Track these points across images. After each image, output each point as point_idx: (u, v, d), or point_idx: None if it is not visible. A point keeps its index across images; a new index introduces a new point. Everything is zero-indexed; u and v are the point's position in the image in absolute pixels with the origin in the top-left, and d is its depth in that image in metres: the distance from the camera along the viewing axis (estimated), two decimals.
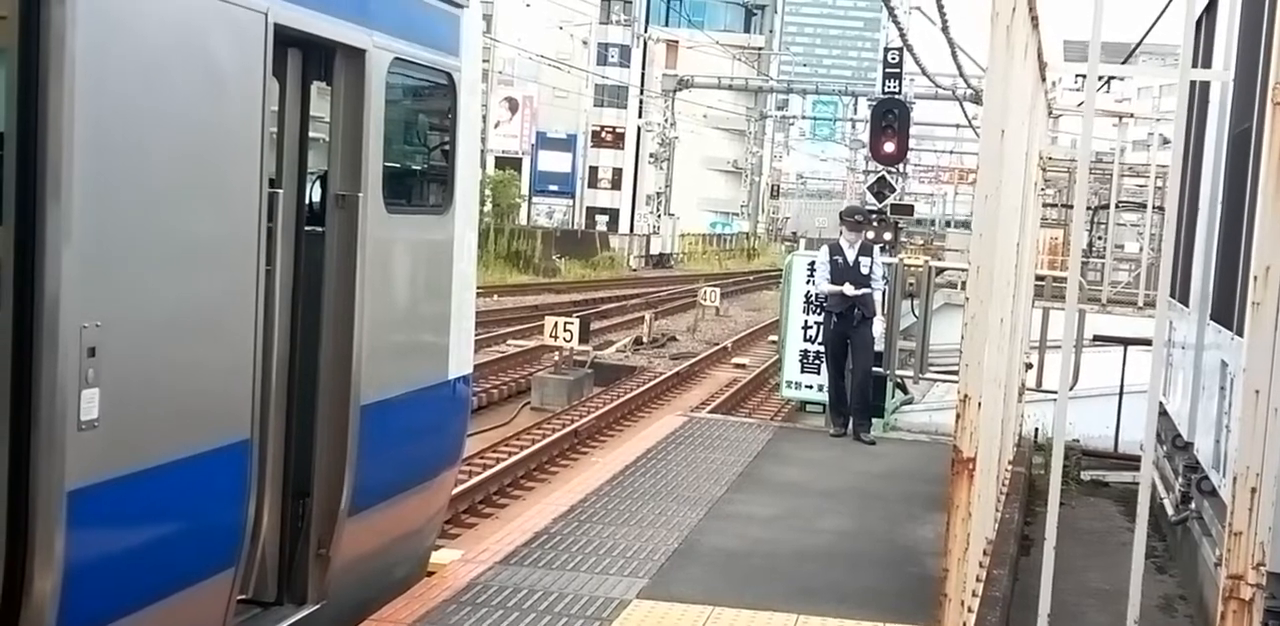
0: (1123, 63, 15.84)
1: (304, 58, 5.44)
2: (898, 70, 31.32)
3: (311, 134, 5.56)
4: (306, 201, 5.60)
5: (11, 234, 3.82)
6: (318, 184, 5.70)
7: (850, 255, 11.10)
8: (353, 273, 5.56)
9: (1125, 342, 14.73)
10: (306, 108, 5.50)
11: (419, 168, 6.69)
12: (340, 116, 5.57)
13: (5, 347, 3.84)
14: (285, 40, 5.05)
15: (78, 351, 3.89)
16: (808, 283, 12.32)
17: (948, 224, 77.94)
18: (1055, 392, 12.49)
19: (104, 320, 3.97)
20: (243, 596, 5.20)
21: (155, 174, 4.22)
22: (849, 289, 10.96)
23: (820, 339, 12.07)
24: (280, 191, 5.21)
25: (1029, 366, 11.70)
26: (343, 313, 5.58)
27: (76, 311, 3.88)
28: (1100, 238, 30.36)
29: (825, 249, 11.45)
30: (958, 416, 4.70)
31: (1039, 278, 12.41)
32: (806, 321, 12.48)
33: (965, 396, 4.68)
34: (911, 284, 12.16)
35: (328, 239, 5.58)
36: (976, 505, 5.29)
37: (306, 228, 5.54)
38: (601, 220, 62.46)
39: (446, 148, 6.58)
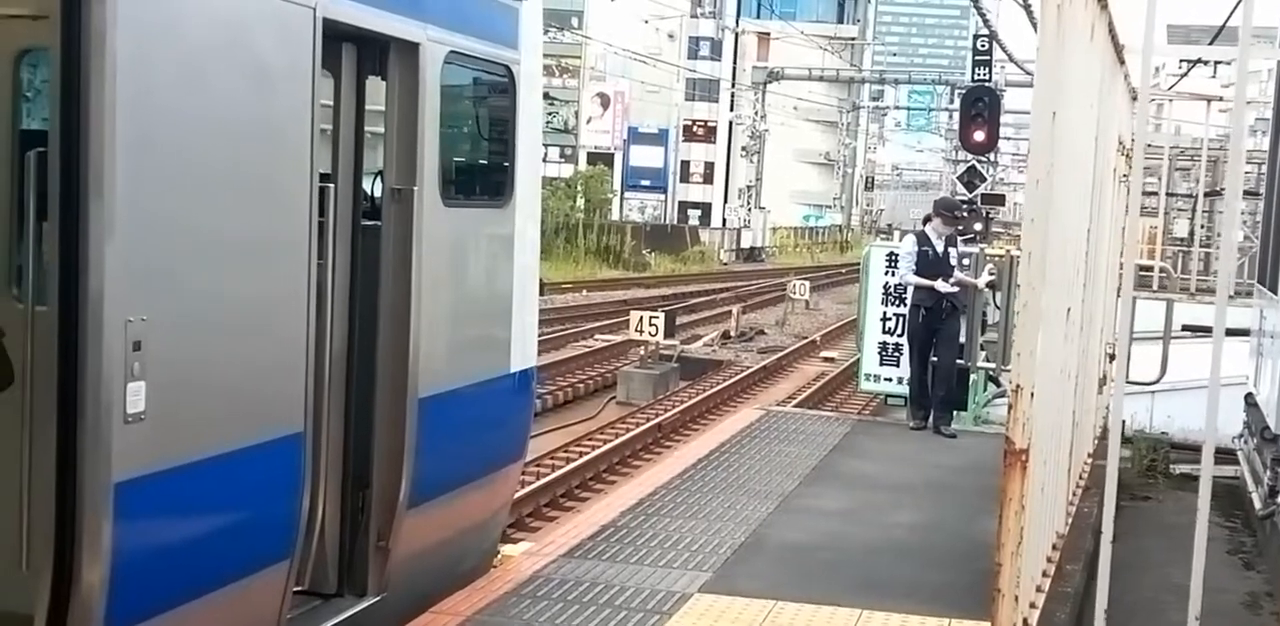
0: (1209, 43, 15.42)
1: (358, 52, 5.47)
2: (987, 58, 30.90)
3: (368, 129, 5.59)
4: (366, 196, 5.63)
5: (56, 229, 3.88)
6: (376, 178, 5.72)
7: (939, 246, 10.91)
8: (409, 266, 5.58)
9: None
10: (362, 102, 5.53)
11: (477, 161, 6.71)
12: (395, 110, 5.59)
13: (52, 342, 3.91)
14: (338, 35, 5.08)
15: (123, 345, 3.93)
16: (887, 274, 12.16)
17: None
18: (1142, 384, 12.32)
19: (149, 314, 4.02)
20: (301, 588, 5.24)
21: (199, 170, 4.25)
22: (942, 285, 10.75)
23: (902, 331, 11.91)
24: (332, 186, 5.23)
25: (1112, 357, 11.42)
26: (399, 306, 5.60)
27: (121, 306, 3.92)
28: (1203, 226, 29.66)
29: (910, 239, 11.19)
30: (1010, 407, 4.59)
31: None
32: (885, 313, 12.33)
33: (1018, 386, 4.57)
34: (993, 274, 11.91)
35: (384, 232, 5.60)
36: (1038, 498, 5.17)
37: (365, 222, 5.57)
38: (694, 214, 62.45)
39: (505, 141, 6.57)
